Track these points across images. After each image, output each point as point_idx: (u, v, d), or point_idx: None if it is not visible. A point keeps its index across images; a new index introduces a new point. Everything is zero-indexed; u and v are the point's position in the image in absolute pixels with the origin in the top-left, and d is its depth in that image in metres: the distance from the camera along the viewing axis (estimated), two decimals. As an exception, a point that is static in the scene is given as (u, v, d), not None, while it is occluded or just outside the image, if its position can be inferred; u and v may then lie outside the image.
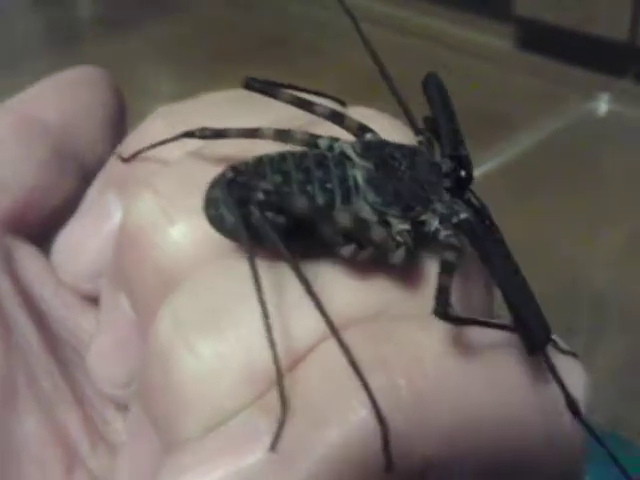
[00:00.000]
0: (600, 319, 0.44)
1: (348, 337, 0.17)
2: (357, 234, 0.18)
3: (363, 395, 0.16)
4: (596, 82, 0.66)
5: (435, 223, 0.19)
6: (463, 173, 0.20)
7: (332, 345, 0.17)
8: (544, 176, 0.42)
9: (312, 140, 0.20)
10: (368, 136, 0.21)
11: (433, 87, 0.23)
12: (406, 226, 0.19)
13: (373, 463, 0.16)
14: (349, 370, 0.16)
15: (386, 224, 0.19)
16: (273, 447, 0.16)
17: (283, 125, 0.21)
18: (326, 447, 0.16)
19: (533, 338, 0.17)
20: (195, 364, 0.17)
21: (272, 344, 0.17)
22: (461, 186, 0.20)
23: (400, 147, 0.20)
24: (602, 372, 0.46)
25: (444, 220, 0.19)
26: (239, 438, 0.17)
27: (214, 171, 0.19)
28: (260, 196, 0.17)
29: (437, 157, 0.21)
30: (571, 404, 0.17)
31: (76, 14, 1.14)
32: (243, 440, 0.17)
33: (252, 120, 0.21)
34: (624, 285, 0.44)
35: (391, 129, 0.22)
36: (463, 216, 0.19)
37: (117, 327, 0.22)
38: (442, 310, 0.17)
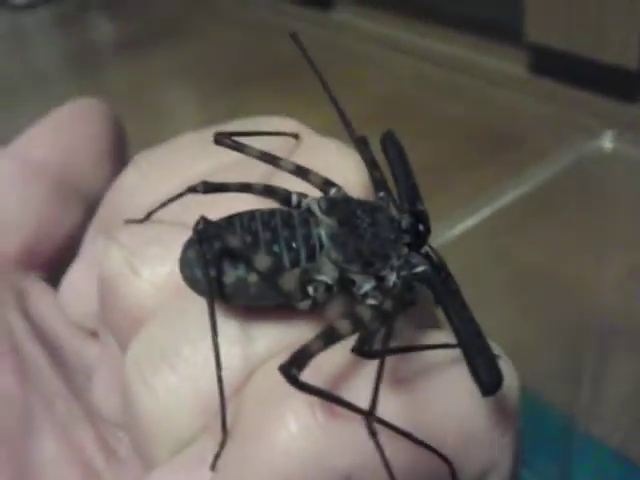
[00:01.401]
0: (610, 344, 0.45)
1: (273, 364, 0.18)
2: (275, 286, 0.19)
3: (286, 417, 0.18)
4: (607, 109, 0.66)
5: (393, 278, 0.21)
6: (421, 228, 0.21)
7: (263, 375, 0.19)
8: (553, 205, 0.42)
9: (287, 195, 0.22)
10: (333, 191, 0.22)
11: (390, 144, 0.24)
12: (371, 282, 0.20)
13: (297, 475, 0.18)
14: (277, 396, 0.18)
15: (349, 280, 0.20)
16: (213, 467, 0.19)
17: (247, 166, 0.23)
18: (259, 464, 0.18)
19: (485, 386, 0.18)
20: (151, 399, 0.20)
21: (218, 378, 0.19)
22: (419, 241, 0.21)
23: (362, 204, 0.21)
24: (612, 398, 0.46)
25: (402, 275, 0.21)
26: (191, 462, 0.19)
27: (177, 223, 0.22)
28: (220, 245, 0.19)
29: (396, 213, 0.22)
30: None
31: (96, 37, 1.16)
32: (194, 464, 0.19)
33: (215, 162, 0.24)
34: (633, 310, 0.45)
35: (340, 160, 0.24)
36: (420, 269, 0.21)
37: (111, 363, 0.24)
38: (359, 346, 0.18)
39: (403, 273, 0.20)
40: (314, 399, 0.18)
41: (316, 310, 0.20)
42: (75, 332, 0.27)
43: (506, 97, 0.74)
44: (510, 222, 0.40)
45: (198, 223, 0.19)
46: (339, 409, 0.18)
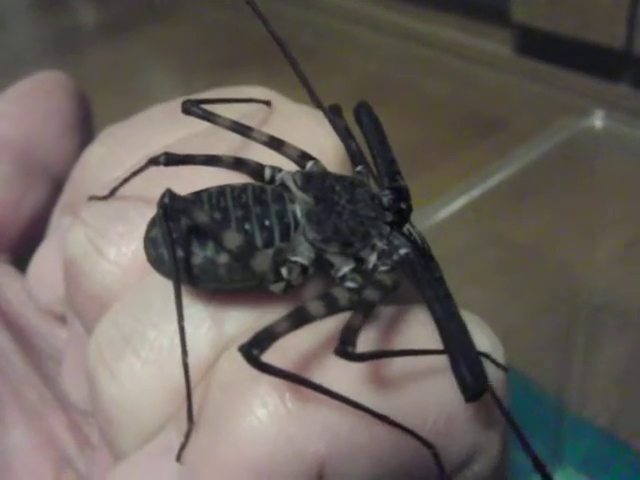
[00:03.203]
0: (599, 324, 0.45)
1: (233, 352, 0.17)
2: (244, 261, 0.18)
3: (252, 403, 0.17)
4: (593, 89, 0.66)
5: (373, 259, 0.19)
6: (404, 205, 0.20)
7: (228, 359, 0.18)
8: (542, 185, 0.42)
9: (259, 169, 0.20)
10: (309, 165, 0.20)
11: (365, 115, 0.22)
12: (350, 264, 0.19)
13: (266, 464, 0.17)
14: (242, 381, 0.17)
15: (327, 262, 0.19)
16: (178, 458, 0.17)
17: (217, 136, 0.21)
18: (225, 454, 0.17)
19: (469, 393, 0.17)
20: (115, 386, 0.18)
21: (184, 364, 0.18)
22: (401, 219, 0.20)
23: (341, 178, 0.20)
24: (602, 377, 0.46)
25: (383, 256, 0.19)
26: (156, 453, 0.18)
27: (143, 198, 0.20)
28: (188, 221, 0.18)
29: (375, 188, 0.20)
30: (537, 464, 0.17)
31: (77, 20, 1.14)
32: (159, 454, 0.18)
33: (184, 133, 0.22)
34: (622, 291, 0.45)
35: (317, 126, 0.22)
36: (403, 252, 0.19)
37: (78, 348, 0.22)
38: (341, 349, 0.16)
39: (384, 255, 0.19)
40: (282, 383, 0.17)
41: (290, 293, 0.19)
42: (45, 317, 0.25)
43: (492, 78, 0.74)
44: (499, 203, 0.39)
45: (163, 196, 0.18)
46: (310, 393, 0.17)
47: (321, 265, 0.19)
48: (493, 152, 0.59)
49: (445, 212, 0.38)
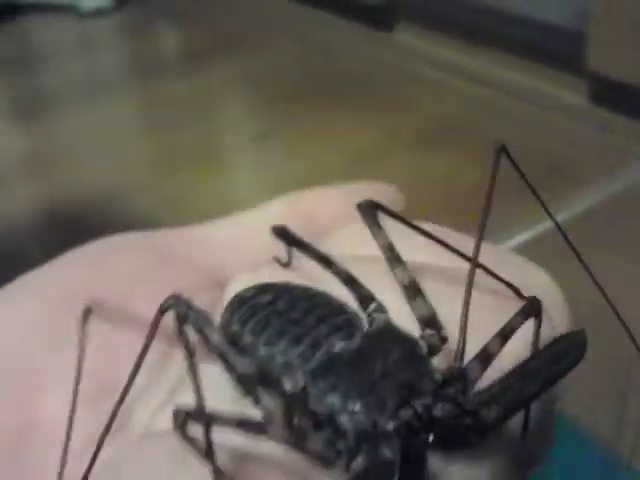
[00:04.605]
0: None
1: None
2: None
3: None
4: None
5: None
6: (439, 414, 0.15)
7: None
8: (610, 232, 0.42)
9: (367, 299, 0.19)
10: (372, 307, 0.18)
11: None
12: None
13: None
14: None
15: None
16: None
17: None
18: None
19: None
20: None
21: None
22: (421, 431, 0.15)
23: (399, 341, 0.17)
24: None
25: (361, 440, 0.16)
26: None
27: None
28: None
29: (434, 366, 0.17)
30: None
31: (159, 46, 1.18)
32: None
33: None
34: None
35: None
36: (385, 454, 0.15)
37: None
38: None
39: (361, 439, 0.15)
40: None
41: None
42: None
43: (564, 124, 0.74)
44: (558, 247, 0.39)
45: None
46: None
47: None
48: (558, 197, 0.59)
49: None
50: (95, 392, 0.19)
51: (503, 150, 0.20)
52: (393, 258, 0.19)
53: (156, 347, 0.18)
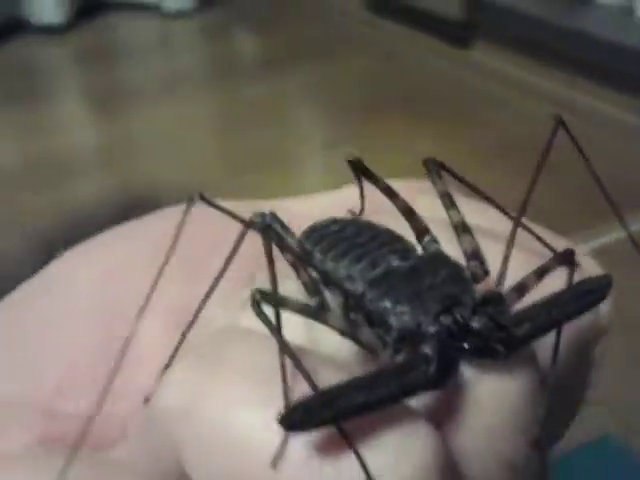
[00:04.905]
0: None
1: None
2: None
3: None
4: None
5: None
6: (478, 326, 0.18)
7: None
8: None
9: (423, 230, 0.21)
10: (426, 240, 0.20)
11: None
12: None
13: None
14: None
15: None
16: None
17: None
18: None
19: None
20: None
21: None
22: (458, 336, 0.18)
23: (447, 264, 0.19)
24: None
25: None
26: None
27: None
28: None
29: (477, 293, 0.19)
30: None
31: (239, 49, 1.21)
32: None
33: None
34: None
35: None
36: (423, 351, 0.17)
37: None
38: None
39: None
40: None
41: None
42: None
43: (624, 145, 0.73)
44: (617, 265, 0.39)
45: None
46: None
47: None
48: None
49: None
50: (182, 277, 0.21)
51: (561, 123, 0.21)
52: (449, 202, 0.21)
53: (242, 265, 0.19)
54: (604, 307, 0.21)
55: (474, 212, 0.22)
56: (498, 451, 0.18)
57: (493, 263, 0.20)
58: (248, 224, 0.19)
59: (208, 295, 0.19)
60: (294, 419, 0.16)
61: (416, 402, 0.17)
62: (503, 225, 0.21)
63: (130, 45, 1.21)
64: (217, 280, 0.19)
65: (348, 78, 1.03)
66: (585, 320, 0.20)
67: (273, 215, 0.20)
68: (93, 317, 0.22)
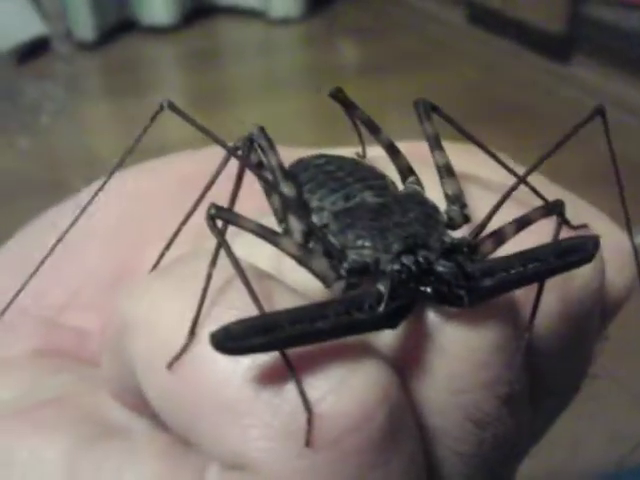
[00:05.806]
0: None
1: None
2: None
3: None
4: None
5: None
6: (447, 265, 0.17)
7: None
8: None
9: (405, 169, 0.21)
10: (410, 179, 0.20)
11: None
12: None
13: None
14: None
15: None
16: None
17: None
18: None
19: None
20: None
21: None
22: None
23: (421, 204, 0.19)
24: None
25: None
26: None
27: None
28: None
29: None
30: None
31: (338, 58, 1.22)
32: None
33: None
34: None
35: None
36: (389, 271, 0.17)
37: None
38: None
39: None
40: None
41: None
42: None
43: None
44: None
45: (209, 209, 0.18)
46: None
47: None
48: None
49: None
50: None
51: (600, 113, 0.21)
52: (435, 144, 0.20)
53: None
54: (619, 280, 0.20)
55: (467, 159, 0.21)
56: (461, 403, 0.17)
57: (478, 210, 0.19)
58: (232, 150, 0.19)
59: (187, 218, 0.20)
60: (226, 338, 0.15)
61: (379, 341, 0.17)
62: (501, 177, 0.21)
63: (234, 48, 1.24)
64: (198, 201, 0.20)
65: (447, 88, 1.03)
66: (578, 285, 0.19)
67: (261, 129, 0.20)
68: (110, 245, 0.23)
